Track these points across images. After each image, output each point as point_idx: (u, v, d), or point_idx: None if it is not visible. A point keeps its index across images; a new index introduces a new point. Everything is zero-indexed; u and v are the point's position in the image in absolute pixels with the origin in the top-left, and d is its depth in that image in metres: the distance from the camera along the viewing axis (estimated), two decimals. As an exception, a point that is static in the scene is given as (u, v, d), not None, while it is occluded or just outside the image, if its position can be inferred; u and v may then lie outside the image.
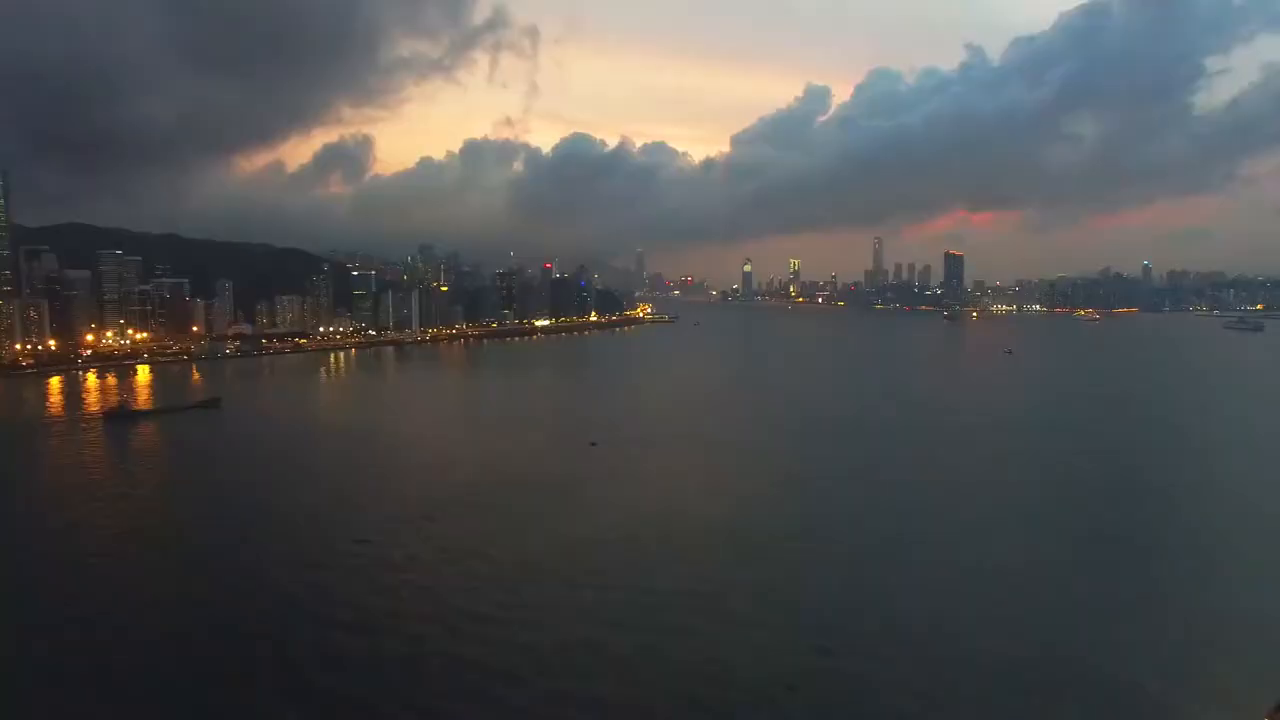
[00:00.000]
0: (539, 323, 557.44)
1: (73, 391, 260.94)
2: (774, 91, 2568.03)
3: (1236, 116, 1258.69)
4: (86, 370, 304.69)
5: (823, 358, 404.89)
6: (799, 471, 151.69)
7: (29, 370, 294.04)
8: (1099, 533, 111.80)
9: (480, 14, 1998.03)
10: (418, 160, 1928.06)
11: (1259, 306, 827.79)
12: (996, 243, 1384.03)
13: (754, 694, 68.20)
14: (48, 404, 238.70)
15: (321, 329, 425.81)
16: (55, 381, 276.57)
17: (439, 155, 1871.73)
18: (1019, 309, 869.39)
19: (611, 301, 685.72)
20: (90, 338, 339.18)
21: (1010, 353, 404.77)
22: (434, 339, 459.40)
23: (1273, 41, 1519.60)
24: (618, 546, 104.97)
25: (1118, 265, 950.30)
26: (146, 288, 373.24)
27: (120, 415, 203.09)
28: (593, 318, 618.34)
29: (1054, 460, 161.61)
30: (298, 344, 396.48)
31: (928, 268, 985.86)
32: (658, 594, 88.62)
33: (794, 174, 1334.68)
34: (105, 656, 75.11)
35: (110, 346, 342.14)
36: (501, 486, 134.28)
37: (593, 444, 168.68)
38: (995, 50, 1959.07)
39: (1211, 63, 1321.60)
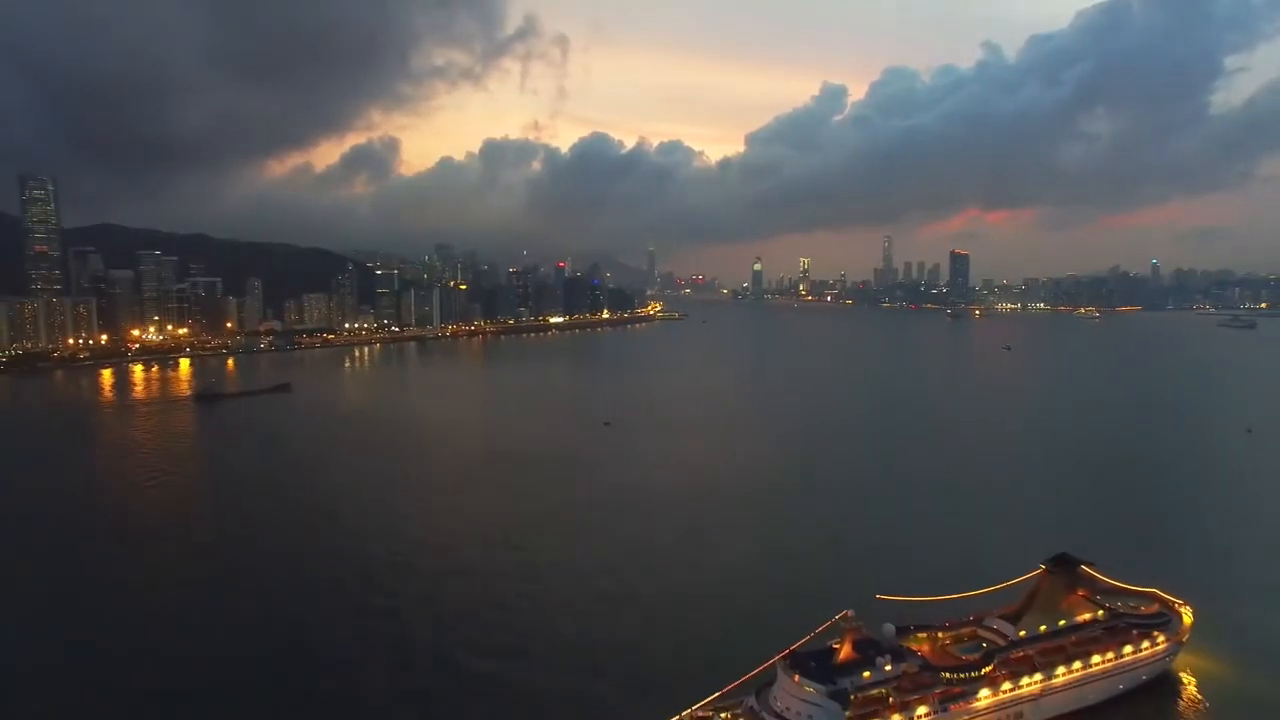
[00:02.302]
0: (553, 319, 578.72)
1: (139, 380, 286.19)
2: (791, 90, 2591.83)
3: (1254, 114, 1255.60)
4: (134, 363, 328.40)
5: (820, 353, 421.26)
6: (782, 448, 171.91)
7: (86, 362, 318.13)
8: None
9: (512, 23, 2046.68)
10: (438, 160, 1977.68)
11: (1263, 305, 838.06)
12: (1010, 242, 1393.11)
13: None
14: (127, 390, 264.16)
15: (347, 325, 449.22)
16: (108, 373, 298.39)
17: (459, 156, 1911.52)
18: (1024, 307, 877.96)
19: (623, 299, 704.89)
20: (136, 332, 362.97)
21: (1009, 349, 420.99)
22: (454, 335, 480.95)
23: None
24: (623, 502, 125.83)
25: (1130, 264, 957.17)
26: (183, 286, 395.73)
27: (207, 396, 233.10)
28: (605, 315, 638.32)
29: (1020, 441, 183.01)
30: (326, 339, 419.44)
31: (936, 266, 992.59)
32: (651, 537, 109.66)
33: (808, 173, 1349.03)
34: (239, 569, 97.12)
35: (153, 341, 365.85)
36: (526, 458, 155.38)
37: (606, 424, 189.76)
38: (1012, 47, 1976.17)
39: (1231, 61, 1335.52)
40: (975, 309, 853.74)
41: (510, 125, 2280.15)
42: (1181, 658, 69.14)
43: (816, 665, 56.80)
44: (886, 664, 57.20)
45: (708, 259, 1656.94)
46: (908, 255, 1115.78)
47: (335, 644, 76.94)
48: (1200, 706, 65.77)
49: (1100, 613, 67.05)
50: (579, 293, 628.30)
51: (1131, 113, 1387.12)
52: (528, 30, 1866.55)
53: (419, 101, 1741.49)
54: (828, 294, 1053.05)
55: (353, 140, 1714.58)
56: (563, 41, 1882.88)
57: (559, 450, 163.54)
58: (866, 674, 56.59)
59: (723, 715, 57.17)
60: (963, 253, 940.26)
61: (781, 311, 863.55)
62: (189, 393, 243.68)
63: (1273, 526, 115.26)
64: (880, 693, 56.28)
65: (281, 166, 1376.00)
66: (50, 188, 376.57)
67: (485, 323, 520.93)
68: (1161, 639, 66.37)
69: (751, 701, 57.81)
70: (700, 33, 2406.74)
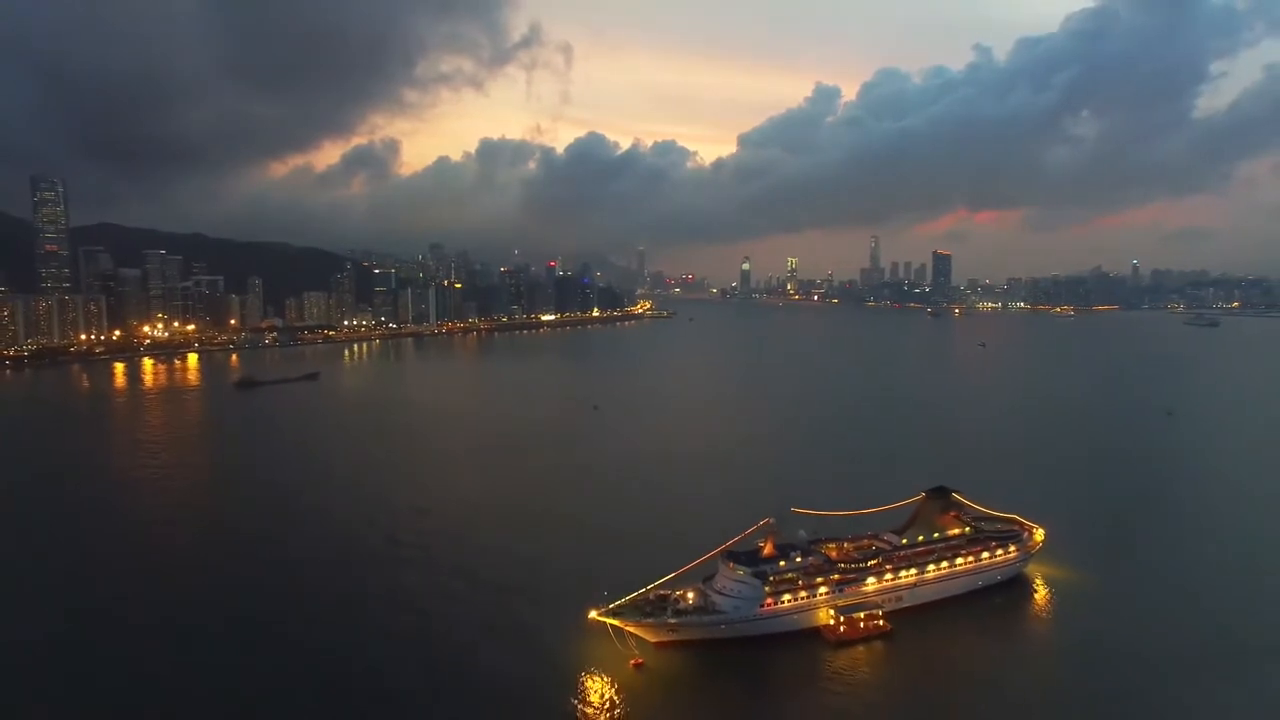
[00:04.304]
0: (545, 317, 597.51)
1: (158, 372, 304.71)
2: (785, 91, 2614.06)
3: (1236, 118, 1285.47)
4: (145, 357, 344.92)
5: (799, 348, 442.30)
6: (754, 428, 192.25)
7: (102, 356, 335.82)
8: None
9: (517, 31, 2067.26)
10: (435, 160, 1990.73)
11: (1235, 305, 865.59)
12: (997, 242, 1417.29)
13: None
14: (154, 381, 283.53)
15: (346, 322, 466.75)
16: (120, 367, 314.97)
17: (456, 156, 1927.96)
18: (1004, 306, 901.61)
19: (613, 298, 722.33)
20: (146, 329, 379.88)
21: (983, 346, 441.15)
22: (449, 332, 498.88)
23: (1277, 45, 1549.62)
24: (613, 469, 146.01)
25: (1114, 264, 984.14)
26: (187, 284, 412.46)
27: (247, 384, 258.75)
28: (595, 313, 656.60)
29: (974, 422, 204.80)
30: (327, 335, 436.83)
31: (922, 266, 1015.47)
32: (637, 494, 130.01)
33: (800, 174, 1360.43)
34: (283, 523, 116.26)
35: (162, 337, 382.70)
36: (525, 437, 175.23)
37: (595, 408, 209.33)
38: (1003, 49, 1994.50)
39: (1215, 66, 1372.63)
40: (956, 308, 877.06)
41: (511, 128, 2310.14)
42: (1033, 566, 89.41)
43: (746, 557, 76.80)
44: (797, 557, 77.35)
45: (697, 258, 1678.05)
46: (895, 255, 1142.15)
47: (336, 584, 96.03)
48: (1041, 599, 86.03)
49: (968, 529, 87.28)
50: (570, 291, 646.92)
51: (1118, 116, 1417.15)
52: (532, 38, 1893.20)
53: (424, 108, 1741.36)
54: (814, 293, 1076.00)
55: (355, 142, 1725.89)
56: (567, 49, 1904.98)
57: (555, 427, 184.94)
58: (782, 563, 76.51)
59: (677, 592, 76.70)
60: (945, 253, 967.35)
61: (768, 310, 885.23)
62: (232, 380, 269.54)
63: (1144, 484, 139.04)
64: (791, 576, 76.19)
65: (283, 168, 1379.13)
66: (60, 189, 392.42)
67: (479, 320, 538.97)
68: (1014, 549, 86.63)
69: (700, 585, 77.45)
70: (696, 34, 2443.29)
